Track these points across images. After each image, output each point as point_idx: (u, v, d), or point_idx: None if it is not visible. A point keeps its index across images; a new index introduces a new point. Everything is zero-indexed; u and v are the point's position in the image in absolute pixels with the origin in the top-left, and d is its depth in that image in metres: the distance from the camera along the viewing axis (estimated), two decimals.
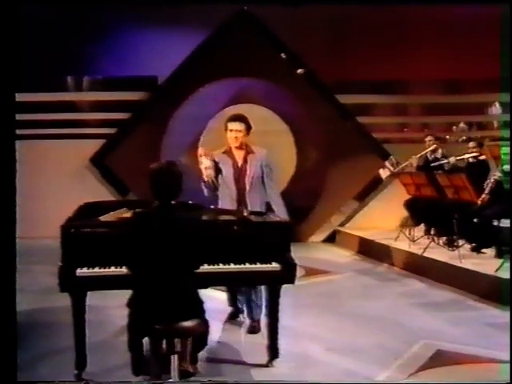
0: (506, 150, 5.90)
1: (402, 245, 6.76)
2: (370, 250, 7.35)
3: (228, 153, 4.18)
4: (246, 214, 3.77)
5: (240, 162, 4.15)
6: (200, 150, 4.11)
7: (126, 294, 2.92)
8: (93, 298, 3.31)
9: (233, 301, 4.39)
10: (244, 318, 4.34)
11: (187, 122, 8.36)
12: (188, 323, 2.78)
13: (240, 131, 4.10)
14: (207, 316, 2.91)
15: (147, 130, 8.44)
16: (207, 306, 2.93)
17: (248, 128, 4.15)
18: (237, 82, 8.48)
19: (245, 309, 4.29)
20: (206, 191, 4.15)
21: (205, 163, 4.04)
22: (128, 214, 3.37)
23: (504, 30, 5.66)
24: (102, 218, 3.47)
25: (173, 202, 2.90)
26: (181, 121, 8.43)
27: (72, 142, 8.47)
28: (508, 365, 3.13)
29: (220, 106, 8.35)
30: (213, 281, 3.29)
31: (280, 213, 4.01)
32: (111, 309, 4.39)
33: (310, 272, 6.28)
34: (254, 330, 4.14)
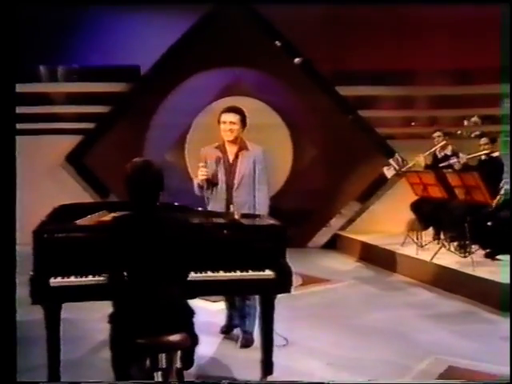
0: None
1: (409, 250, 6.77)
2: (373, 257, 7.36)
3: (220, 148, 4.21)
4: (237, 216, 3.77)
5: (231, 158, 4.18)
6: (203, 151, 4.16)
7: (105, 306, 2.91)
8: (68, 311, 3.29)
9: (229, 315, 4.40)
10: (237, 331, 4.35)
11: (173, 117, 8.35)
12: (174, 337, 2.75)
13: (234, 123, 4.12)
14: (196, 329, 2.90)
15: (129, 125, 8.43)
16: (196, 318, 2.92)
17: (243, 121, 4.18)
18: (227, 72, 8.48)
19: (237, 321, 4.32)
20: (197, 190, 4.18)
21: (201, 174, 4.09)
22: (108, 218, 3.36)
23: (504, 30, 6.07)
24: (79, 222, 3.45)
25: (157, 204, 2.89)
26: (166, 115, 8.42)
27: (46, 138, 8.43)
28: None
29: (208, 98, 8.36)
30: (201, 290, 3.27)
31: (260, 210, 4.05)
32: (89, 322, 4.37)
33: (308, 280, 6.29)
34: (246, 343, 4.15)
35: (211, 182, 4.11)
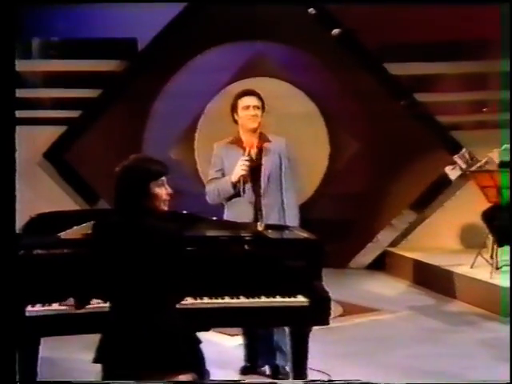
0: None
1: (481, 273, 6.70)
2: (433, 280, 7.32)
3: (237, 142, 4.33)
4: (260, 228, 3.79)
5: (253, 153, 4.30)
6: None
7: (94, 340, 2.93)
8: (47, 347, 3.31)
9: (250, 354, 4.45)
10: (263, 369, 4.41)
11: (179, 103, 8.37)
12: (181, 377, 2.78)
13: (259, 108, 4.30)
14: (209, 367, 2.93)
15: (123, 114, 8.48)
16: (208, 354, 2.94)
17: (263, 107, 4.34)
18: (246, 47, 8.53)
19: (263, 357, 4.39)
20: (219, 198, 4.30)
21: (243, 166, 4.20)
22: None
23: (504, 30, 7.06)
24: (63, 235, 3.48)
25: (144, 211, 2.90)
26: (170, 101, 8.45)
27: (19, 130, 8.47)
28: None
29: (224, 80, 8.39)
30: (216, 320, 3.30)
31: (290, 222, 4.18)
32: (73, 361, 4.41)
33: (350, 310, 6.29)
34: (280, 378, 4.22)
35: (244, 186, 4.23)
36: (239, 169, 4.18)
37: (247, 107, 4.28)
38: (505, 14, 7.09)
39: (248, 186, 4.25)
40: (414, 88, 8.61)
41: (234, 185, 4.22)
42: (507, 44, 7.15)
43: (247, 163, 4.19)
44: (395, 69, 8.55)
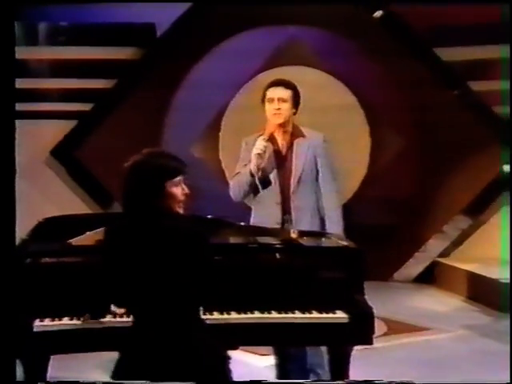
0: None
1: None
2: (490, 296, 7.28)
3: (268, 136, 4.30)
4: (294, 235, 3.79)
5: (284, 150, 4.32)
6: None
7: (109, 358, 2.95)
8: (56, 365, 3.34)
9: (282, 375, 4.42)
10: None
11: (202, 94, 8.39)
12: None
13: (285, 101, 4.28)
14: None
15: (140, 107, 8.50)
16: (237, 375, 2.95)
17: (296, 99, 4.34)
18: (278, 31, 8.54)
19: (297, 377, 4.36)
20: (240, 193, 4.29)
21: (259, 146, 4.18)
22: None
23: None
24: (74, 242, 3.52)
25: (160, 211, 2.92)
26: (192, 92, 8.48)
27: (23, 124, 8.52)
28: None
29: (252, 68, 8.40)
30: (244, 338, 3.31)
31: (332, 227, 4.19)
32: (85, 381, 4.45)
33: (396, 328, 6.29)
34: None
35: (264, 178, 4.22)
36: (254, 149, 4.17)
37: (271, 100, 4.29)
38: (505, 14, 7.55)
39: (277, 185, 4.25)
40: (467, 75, 8.56)
41: (251, 173, 4.19)
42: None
43: (264, 143, 4.16)
44: (446, 54, 8.50)
